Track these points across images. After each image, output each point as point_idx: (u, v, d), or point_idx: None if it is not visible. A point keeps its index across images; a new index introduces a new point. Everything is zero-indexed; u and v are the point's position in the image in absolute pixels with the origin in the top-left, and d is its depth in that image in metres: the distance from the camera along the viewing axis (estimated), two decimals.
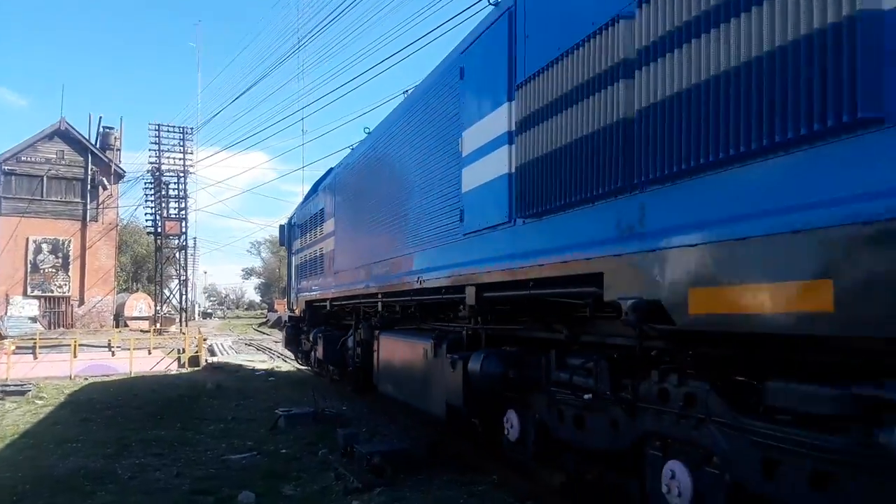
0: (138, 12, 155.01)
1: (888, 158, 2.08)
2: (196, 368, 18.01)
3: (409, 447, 6.76)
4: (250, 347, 25.92)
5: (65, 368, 16.27)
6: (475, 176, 4.91)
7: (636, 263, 3.14)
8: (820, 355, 2.60)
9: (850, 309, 2.14)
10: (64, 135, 34.09)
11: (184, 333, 23.75)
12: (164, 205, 34.75)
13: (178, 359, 18.67)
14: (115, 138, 36.62)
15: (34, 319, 29.84)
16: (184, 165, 35.06)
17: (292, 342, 14.98)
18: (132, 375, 16.40)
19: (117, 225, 36.83)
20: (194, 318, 48.89)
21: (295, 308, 14.23)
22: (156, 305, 34.96)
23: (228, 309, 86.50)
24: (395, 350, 7.19)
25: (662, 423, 3.30)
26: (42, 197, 33.46)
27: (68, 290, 33.65)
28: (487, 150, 4.68)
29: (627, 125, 3.14)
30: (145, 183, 35.40)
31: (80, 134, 34.70)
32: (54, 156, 33.81)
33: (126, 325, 32.78)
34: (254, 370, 17.19)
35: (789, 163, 2.38)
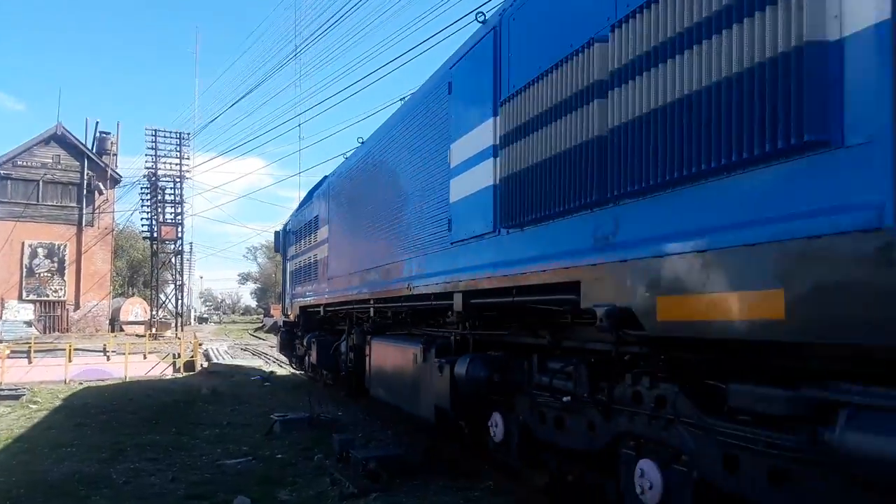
0: (137, 14, 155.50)
1: (832, 178, 2.26)
2: (191, 373, 18.06)
3: (404, 453, 6.79)
4: (246, 352, 25.94)
5: (60, 373, 16.30)
6: (462, 187, 5.09)
7: (610, 273, 3.31)
8: (782, 360, 2.77)
9: (800, 316, 2.32)
10: (60, 139, 34.22)
11: (179, 338, 23.81)
12: (160, 210, 34.83)
13: (174, 363, 18.73)
14: (112, 143, 36.75)
15: (29, 323, 29.89)
16: (180, 170, 35.20)
17: (287, 347, 15.12)
18: (127, 380, 16.41)
19: (113, 229, 36.96)
20: (190, 323, 48.89)
21: (290, 313, 14.37)
22: (151, 310, 35.01)
23: (224, 314, 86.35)
24: (387, 355, 7.34)
25: (635, 424, 3.47)
26: (38, 201, 33.56)
27: (64, 295, 33.71)
28: (474, 163, 4.86)
29: (602, 142, 3.32)
30: (141, 188, 35.55)
31: (76, 138, 34.84)
32: (50, 160, 33.94)
33: (122, 330, 32.82)
34: (249, 375, 17.26)
35: (746, 181, 2.57)
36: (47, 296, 33.37)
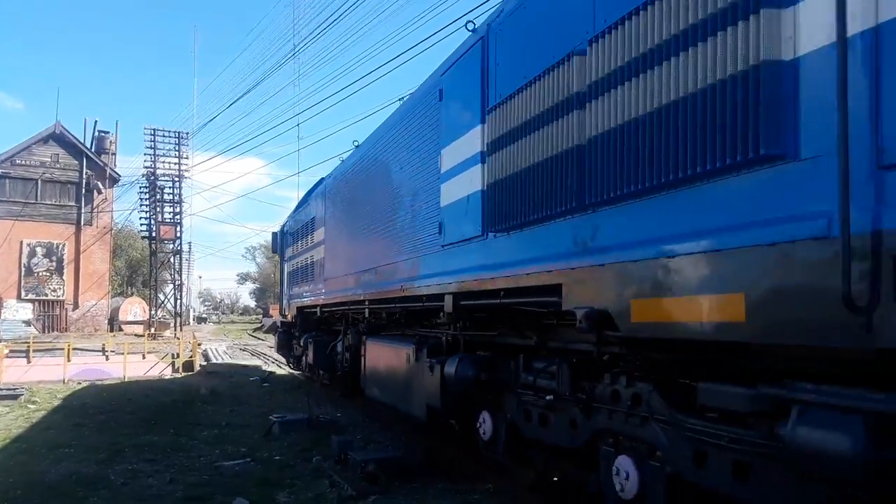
0: (136, 13, 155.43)
1: (788, 190, 2.41)
2: (190, 373, 18.10)
3: (403, 455, 6.76)
4: (245, 352, 26.03)
5: (58, 372, 16.34)
6: (452, 191, 5.24)
7: (589, 276, 3.47)
8: (745, 360, 2.92)
9: (759, 319, 2.47)
10: (59, 138, 34.31)
11: (178, 338, 23.93)
12: (159, 209, 34.91)
13: (173, 363, 18.82)
14: (111, 142, 36.82)
15: (28, 323, 30.01)
16: (179, 169, 35.28)
17: (284, 347, 15.26)
18: (126, 380, 16.45)
19: (112, 229, 37.05)
20: (189, 323, 48.97)
21: (287, 314, 14.51)
22: (150, 310, 35.10)
23: (223, 314, 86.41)
24: (381, 355, 7.49)
25: (614, 421, 3.63)
26: (36, 200, 33.65)
27: (62, 294, 33.81)
28: (463, 168, 5.01)
29: (580, 151, 3.47)
30: (140, 187, 35.62)
31: (75, 137, 34.92)
32: (49, 159, 34.02)
33: (120, 330, 32.92)
34: (248, 375, 17.35)
35: (710, 191, 2.72)
36: (46, 295, 33.48)
